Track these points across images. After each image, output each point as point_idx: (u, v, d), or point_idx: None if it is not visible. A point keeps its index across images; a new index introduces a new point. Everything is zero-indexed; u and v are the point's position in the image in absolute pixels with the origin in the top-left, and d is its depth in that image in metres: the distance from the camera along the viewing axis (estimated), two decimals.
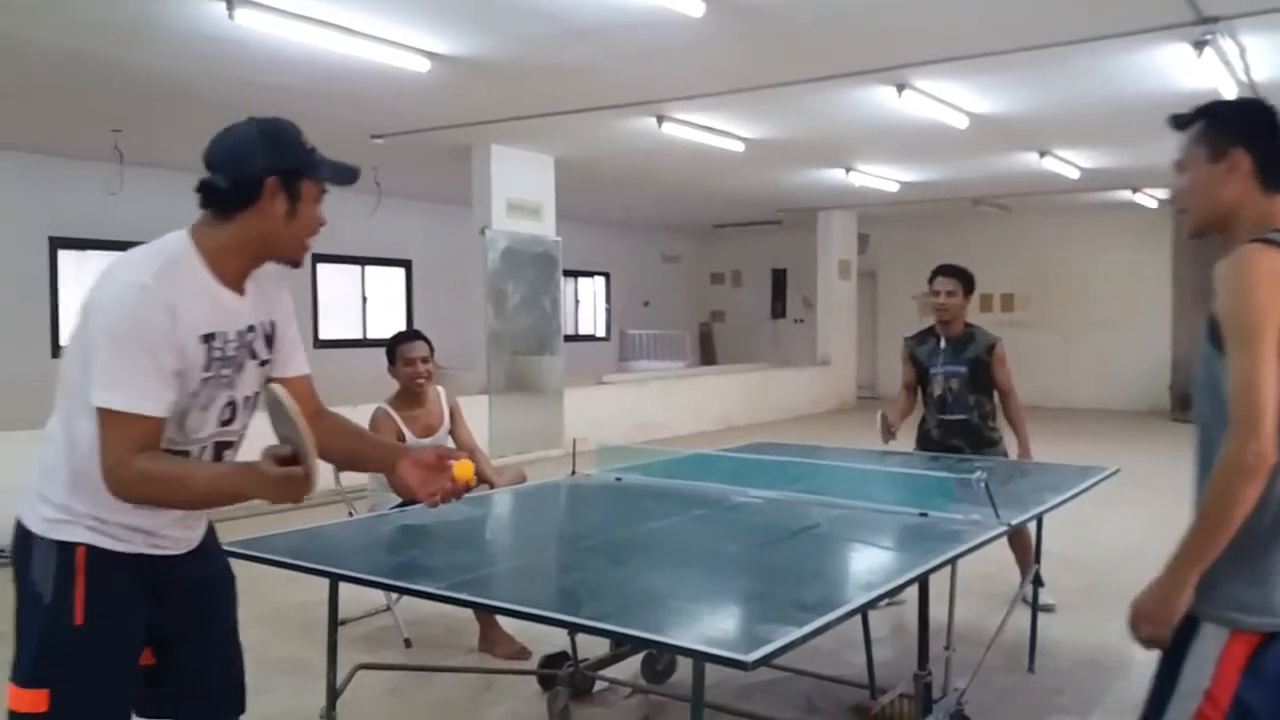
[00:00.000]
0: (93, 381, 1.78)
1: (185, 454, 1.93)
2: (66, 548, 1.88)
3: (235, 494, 1.82)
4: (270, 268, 2.05)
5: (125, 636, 1.94)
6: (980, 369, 4.89)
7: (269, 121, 1.96)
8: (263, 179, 1.88)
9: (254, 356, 2.02)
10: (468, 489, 2.17)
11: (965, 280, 4.94)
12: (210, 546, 2.13)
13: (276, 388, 1.81)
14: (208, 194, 1.91)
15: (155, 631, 2.01)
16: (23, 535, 1.93)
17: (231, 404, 2.00)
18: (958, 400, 4.90)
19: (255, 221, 1.91)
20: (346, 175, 2.01)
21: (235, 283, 1.95)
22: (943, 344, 4.95)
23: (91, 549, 1.89)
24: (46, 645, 1.88)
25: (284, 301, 2.14)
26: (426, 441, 4.62)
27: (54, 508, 1.89)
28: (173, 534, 1.99)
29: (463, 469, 2.12)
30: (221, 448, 2.03)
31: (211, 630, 2.14)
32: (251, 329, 2.00)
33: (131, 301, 1.79)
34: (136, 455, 1.78)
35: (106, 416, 1.78)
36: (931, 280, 4.99)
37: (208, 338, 1.89)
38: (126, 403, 1.77)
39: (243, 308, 1.98)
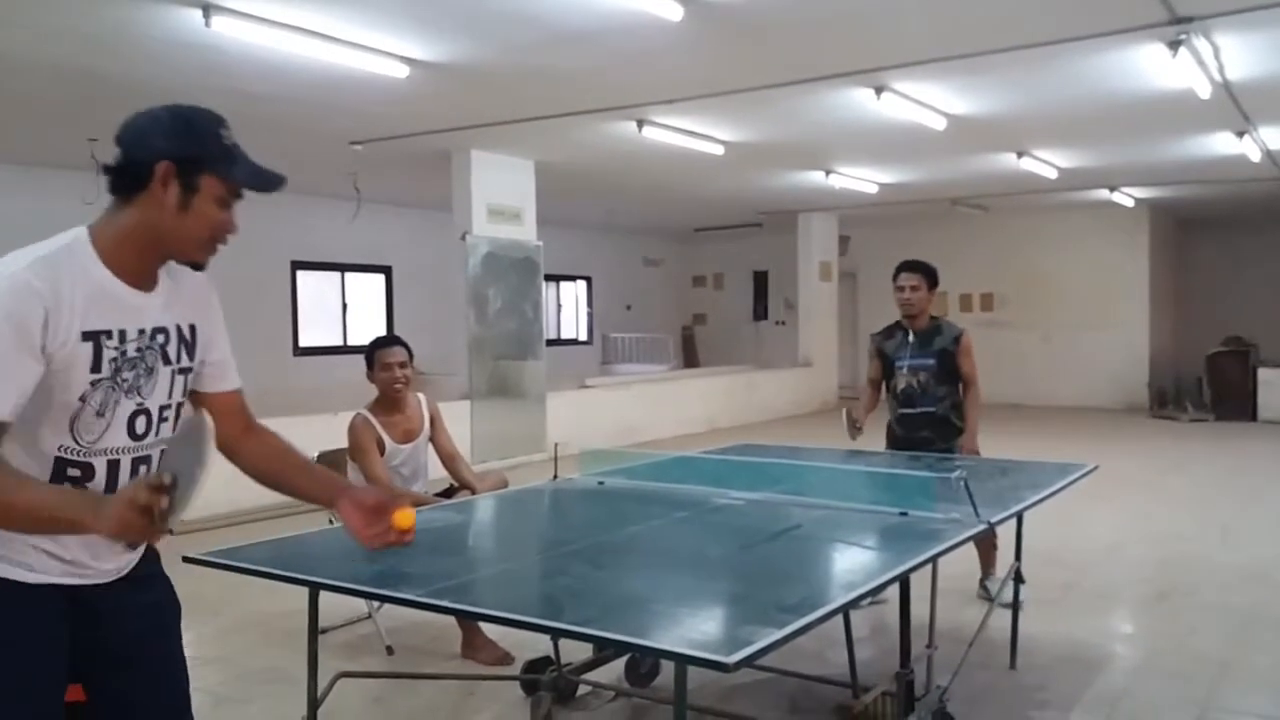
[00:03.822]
0: None
1: (88, 466, 1.79)
2: None
3: (65, 522, 1.67)
4: (194, 273, 1.93)
5: (38, 674, 1.78)
6: (948, 360, 4.97)
7: (185, 107, 1.82)
8: (154, 162, 1.74)
9: (167, 362, 1.87)
10: (407, 539, 1.96)
11: (929, 275, 5.04)
12: (145, 575, 1.97)
13: (206, 420, 1.69)
14: (109, 175, 1.79)
15: (87, 664, 1.87)
16: None
17: (144, 413, 1.84)
18: (925, 393, 4.97)
19: (146, 209, 1.76)
20: (263, 181, 1.82)
21: (137, 279, 1.80)
22: (910, 337, 5.02)
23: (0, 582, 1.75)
24: None
25: (212, 308, 1.99)
26: (407, 448, 4.61)
27: None
28: (89, 562, 1.84)
29: (403, 517, 1.94)
30: (138, 463, 1.87)
31: (152, 661, 1.98)
32: (162, 330, 1.85)
33: None
34: None
35: None
36: (896, 276, 5.09)
37: (92, 335, 1.73)
38: None
39: (149, 306, 1.83)
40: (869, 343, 5.25)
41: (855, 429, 5.00)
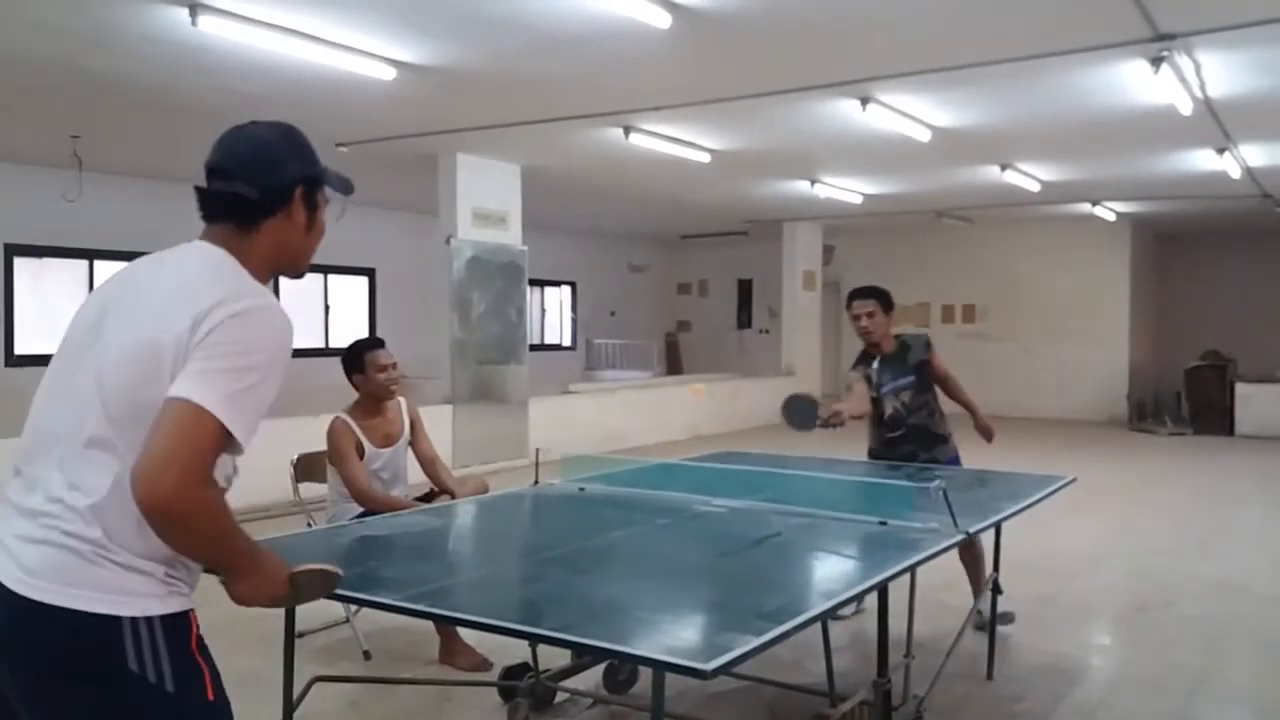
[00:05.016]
0: (206, 381, 1.54)
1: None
2: (177, 618, 1.64)
3: (247, 566, 1.72)
4: None
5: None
6: (926, 369, 4.90)
7: (283, 126, 1.84)
8: (293, 188, 1.78)
9: None
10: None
11: (882, 298, 4.91)
12: None
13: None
14: (232, 205, 1.75)
15: None
16: (99, 628, 1.57)
17: None
18: (910, 410, 4.88)
19: (280, 231, 1.79)
20: (348, 185, 1.92)
21: None
22: (875, 363, 4.90)
23: (193, 612, 1.69)
24: None
25: None
26: (386, 452, 4.58)
27: (154, 580, 1.62)
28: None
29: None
30: None
31: None
32: None
33: (286, 327, 1.67)
34: (208, 475, 1.56)
35: (203, 417, 1.52)
36: (849, 305, 4.94)
37: None
38: (236, 421, 1.55)
39: None
40: (854, 373, 4.97)
41: (835, 420, 4.58)
